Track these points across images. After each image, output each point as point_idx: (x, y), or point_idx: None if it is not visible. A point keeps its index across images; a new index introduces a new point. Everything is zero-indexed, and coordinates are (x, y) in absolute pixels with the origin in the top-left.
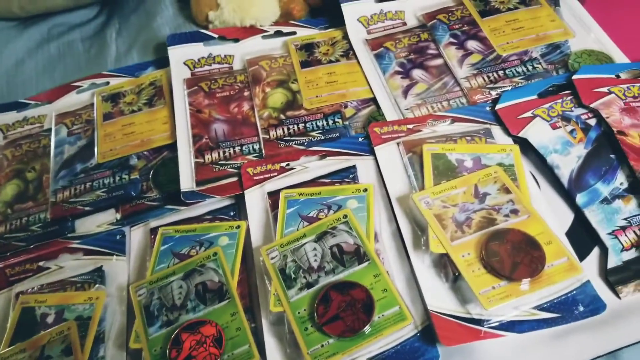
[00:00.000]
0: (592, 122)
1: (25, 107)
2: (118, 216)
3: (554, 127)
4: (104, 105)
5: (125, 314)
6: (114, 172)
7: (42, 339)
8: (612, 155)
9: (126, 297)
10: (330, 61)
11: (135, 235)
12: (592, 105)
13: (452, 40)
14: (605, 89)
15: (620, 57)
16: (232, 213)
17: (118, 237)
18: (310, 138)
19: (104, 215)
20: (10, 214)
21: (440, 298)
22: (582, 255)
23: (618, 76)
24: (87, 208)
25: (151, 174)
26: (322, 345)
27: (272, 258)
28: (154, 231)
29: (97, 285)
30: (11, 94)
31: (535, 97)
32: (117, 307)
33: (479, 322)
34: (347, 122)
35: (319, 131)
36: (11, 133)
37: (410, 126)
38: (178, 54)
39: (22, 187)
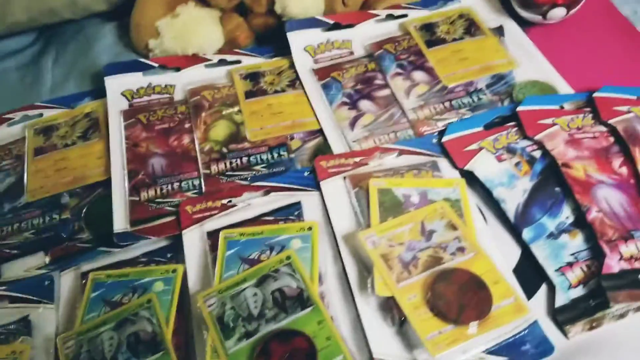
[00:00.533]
0: (537, 154)
1: None
2: (47, 259)
3: (500, 160)
4: (35, 139)
5: None
6: (44, 211)
7: None
8: (557, 189)
9: (53, 349)
10: (276, 91)
11: (65, 281)
12: (536, 138)
13: (398, 70)
14: (549, 121)
15: (564, 87)
16: (168, 255)
17: (46, 283)
18: (254, 172)
19: (32, 259)
20: None
21: (386, 344)
22: (529, 293)
23: (562, 107)
24: (14, 251)
25: (83, 213)
26: None
27: (210, 305)
28: (84, 276)
29: (22, 337)
30: None
31: (481, 128)
32: None
33: None
34: (293, 155)
35: (264, 165)
36: None
37: (357, 159)
38: (115, 84)
39: None
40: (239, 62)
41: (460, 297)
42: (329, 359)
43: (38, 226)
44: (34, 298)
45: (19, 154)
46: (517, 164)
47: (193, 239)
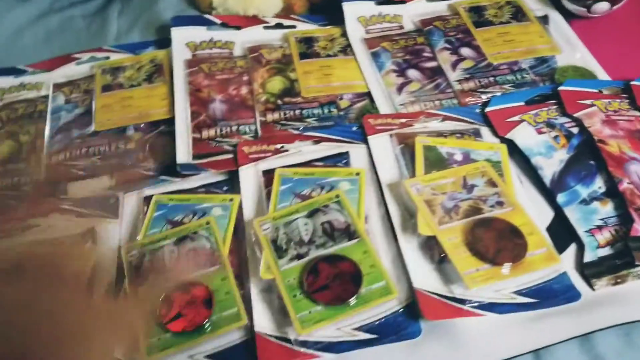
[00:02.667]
0: (575, 130)
1: (23, 73)
2: (112, 183)
3: (539, 132)
4: (103, 77)
5: (114, 274)
6: (110, 140)
7: None
8: (592, 162)
9: (116, 258)
10: (328, 55)
11: (128, 202)
12: (575, 115)
13: (446, 45)
14: (588, 102)
15: (603, 75)
16: (225, 188)
17: (111, 201)
18: (306, 124)
19: (97, 181)
20: (2, 172)
21: (425, 277)
22: (560, 249)
23: (600, 91)
24: (81, 172)
25: (148, 145)
26: (310, 312)
27: (265, 229)
28: (147, 199)
29: (88, 245)
30: (9, 60)
31: (522, 103)
32: (107, 267)
33: (461, 301)
34: (341, 113)
35: (315, 118)
36: (7, 96)
37: (403, 120)
38: (181, 35)
39: (16, 148)
40: (294, 27)
41: (497, 242)
42: (372, 283)
43: (105, 152)
44: (99, 213)
45: (87, 89)
46: (555, 137)
47: (249, 175)
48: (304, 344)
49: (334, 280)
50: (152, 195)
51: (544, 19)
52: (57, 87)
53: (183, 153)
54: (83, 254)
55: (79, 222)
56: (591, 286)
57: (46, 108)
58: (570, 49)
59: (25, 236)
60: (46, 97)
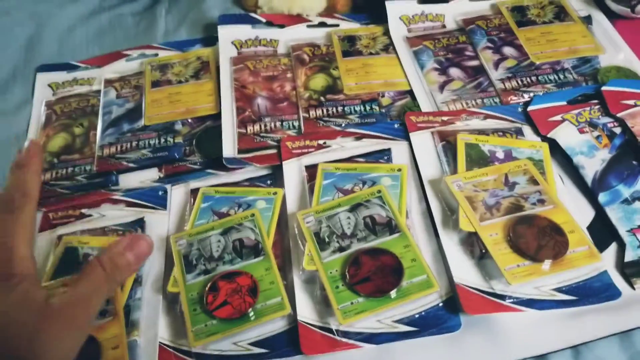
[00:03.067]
0: (617, 130)
1: (76, 69)
2: (160, 175)
3: (581, 132)
4: (152, 73)
5: (163, 262)
6: (159, 134)
7: None
8: (634, 162)
9: (165, 247)
10: (371, 53)
11: (176, 194)
12: (618, 115)
13: (488, 44)
14: (631, 102)
15: None
16: (268, 182)
17: (160, 192)
18: (348, 121)
19: (147, 173)
20: (57, 163)
21: (465, 272)
22: (600, 248)
23: None
24: (131, 165)
25: (195, 139)
26: (352, 303)
27: (307, 222)
28: (193, 192)
29: (138, 233)
30: (62, 56)
31: (564, 103)
32: (157, 255)
33: (501, 297)
34: (383, 110)
35: (357, 115)
36: (60, 91)
37: (445, 118)
38: (227, 33)
39: (69, 140)
40: (337, 25)
41: (538, 239)
42: (413, 277)
43: (154, 146)
44: (148, 204)
45: (137, 85)
46: (597, 137)
47: (292, 169)
48: (346, 334)
49: (375, 272)
50: (198, 188)
51: (587, 19)
52: (109, 82)
53: (229, 147)
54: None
55: (129, 211)
56: (631, 285)
57: (98, 102)
58: (613, 50)
59: (78, 225)
60: (98, 91)
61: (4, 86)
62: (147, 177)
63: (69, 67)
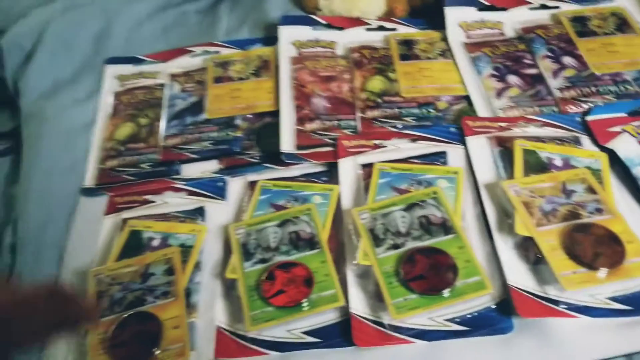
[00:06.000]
0: None
1: (142, 62)
2: (220, 166)
3: None
4: (214, 69)
5: (221, 249)
6: (220, 128)
7: (148, 258)
8: None
9: (223, 236)
10: (428, 58)
11: (234, 185)
12: None
13: (548, 53)
14: None
15: None
16: (324, 178)
17: (219, 183)
18: (404, 122)
19: (207, 164)
20: (124, 150)
21: (519, 276)
22: None
23: None
24: (193, 155)
25: (255, 134)
26: (405, 299)
27: (363, 219)
28: (252, 184)
29: (198, 221)
30: (129, 50)
31: (625, 114)
32: (215, 243)
33: (555, 302)
34: (439, 113)
35: (413, 117)
36: (127, 83)
37: (502, 124)
38: (288, 34)
39: (136, 130)
40: (395, 29)
41: (595, 247)
42: (467, 277)
43: (215, 139)
44: (208, 194)
45: (200, 80)
46: None
47: (348, 167)
48: (397, 329)
49: (429, 271)
50: (256, 181)
51: None
52: (173, 76)
53: (287, 143)
54: None
55: (190, 200)
56: None
57: (162, 95)
58: None
59: (142, 210)
60: (162, 85)
61: (76, 75)
62: (208, 168)
63: (135, 61)
